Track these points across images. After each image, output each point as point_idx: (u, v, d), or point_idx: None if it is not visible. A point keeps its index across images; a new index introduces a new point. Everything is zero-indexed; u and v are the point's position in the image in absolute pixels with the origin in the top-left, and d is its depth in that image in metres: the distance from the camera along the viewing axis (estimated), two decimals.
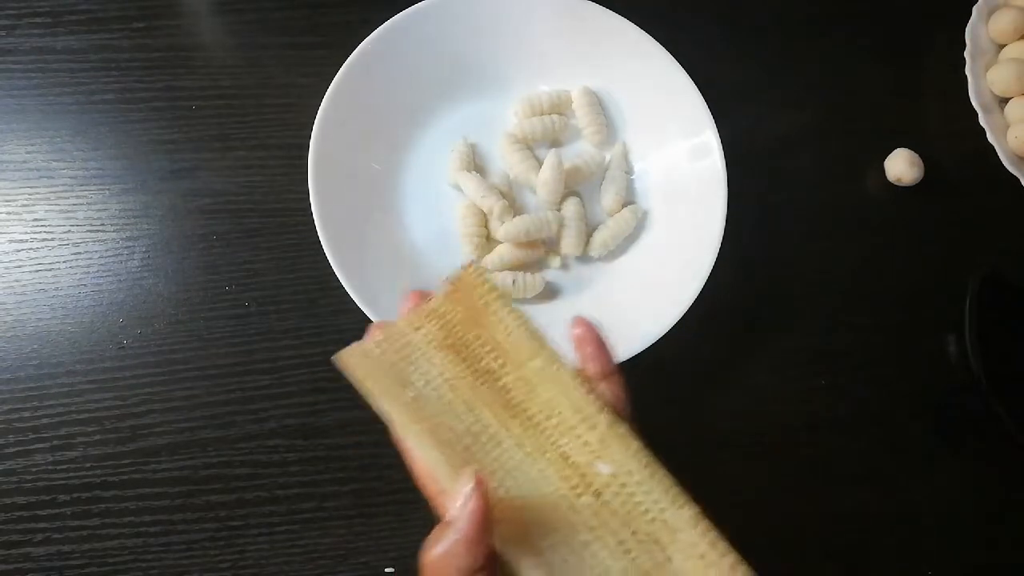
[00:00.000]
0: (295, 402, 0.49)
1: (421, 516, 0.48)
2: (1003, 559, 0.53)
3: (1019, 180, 0.56)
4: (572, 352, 0.31)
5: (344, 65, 0.49)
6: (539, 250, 0.51)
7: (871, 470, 0.53)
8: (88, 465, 0.47)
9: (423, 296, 0.31)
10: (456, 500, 0.25)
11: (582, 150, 0.54)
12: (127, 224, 0.51)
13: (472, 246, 0.50)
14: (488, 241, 0.51)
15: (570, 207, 0.52)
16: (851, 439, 0.53)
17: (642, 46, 0.51)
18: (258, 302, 0.51)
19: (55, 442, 0.47)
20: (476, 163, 0.53)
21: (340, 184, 0.48)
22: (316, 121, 0.48)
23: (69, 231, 0.51)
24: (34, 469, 0.47)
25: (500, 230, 0.50)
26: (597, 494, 0.27)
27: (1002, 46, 0.59)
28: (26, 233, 0.51)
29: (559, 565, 0.26)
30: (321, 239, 0.46)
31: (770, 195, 0.56)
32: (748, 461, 0.50)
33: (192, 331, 0.50)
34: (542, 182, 0.50)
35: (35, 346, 0.49)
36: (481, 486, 0.25)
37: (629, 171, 0.54)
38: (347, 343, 0.50)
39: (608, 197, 0.52)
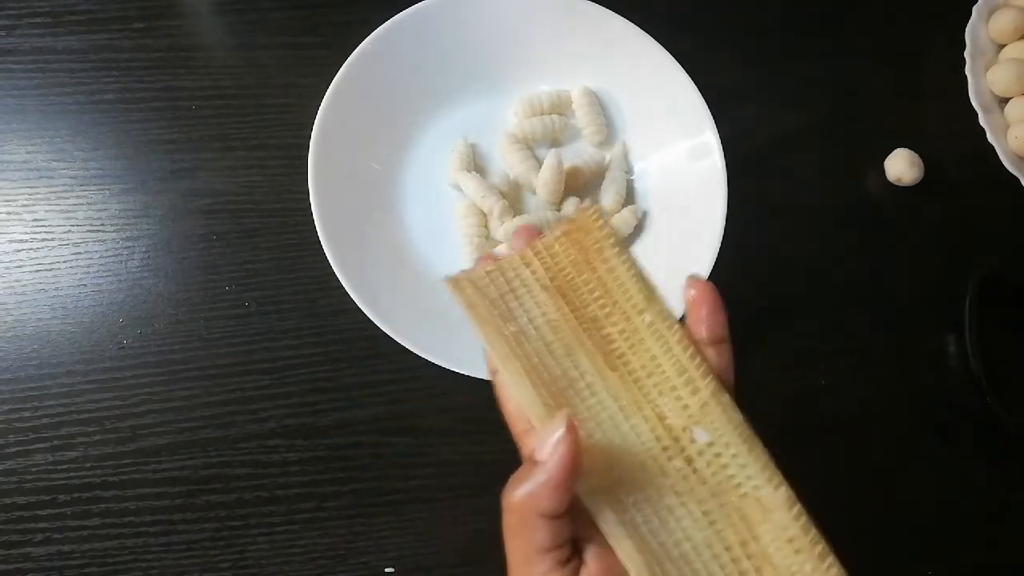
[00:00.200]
0: (295, 402, 0.49)
1: (421, 516, 0.49)
2: (1003, 559, 0.53)
3: (1019, 180, 0.56)
4: (683, 311, 0.29)
5: (344, 65, 0.49)
6: None
7: (871, 470, 0.53)
8: (88, 465, 0.47)
9: (536, 232, 0.30)
10: (546, 442, 0.25)
11: (582, 150, 0.54)
12: (127, 224, 0.51)
13: (472, 246, 0.50)
14: (488, 241, 0.51)
15: (570, 207, 0.52)
16: (851, 439, 0.53)
17: (642, 46, 0.51)
18: (258, 302, 0.51)
19: (55, 442, 0.48)
20: (476, 163, 0.53)
21: (340, 184, 0.48)
22: (316, 121, 0.48)
23: (69, 231, 0.51)
24: (34, 469, 0.47)
25: (500, 230, 0.50)
26: (689, 460, 0.26)
27: (1002, 46, 0.59)
28: (26, 233, 0.51)
29: (641, 524, 0.26)
30: (321, 239, 0.46)
31: (770, 195, 0.56)
32: None
33: (192, 331, 0.50)
34: (542, 182, 0.50)
35: (35, 346, 0.49)
36: (573, 430, 0.24)
37: (629, 171, 0.54)
38: (347, 343, 0.50)
39: (608, 197, 0.52)
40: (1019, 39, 0.58)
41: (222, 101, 0.54)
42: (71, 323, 0.49)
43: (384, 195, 0.52)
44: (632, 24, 0.51)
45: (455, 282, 0.28)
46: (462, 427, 0.50)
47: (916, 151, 0.57)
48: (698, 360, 0.28)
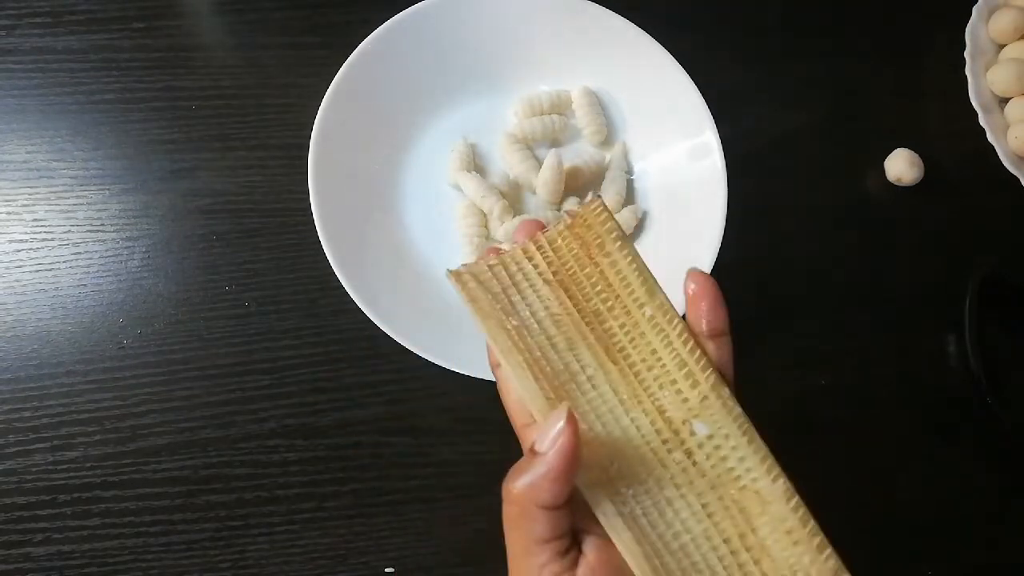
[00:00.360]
0: (295, 402, 0.49)
1: (421, 516, 0.49)
2: (1003, 559, 0.53)
3: (1019, 180, 0.56)
4: (683, 305, 0.29)
5: (344, 65, 0.49)
6: None
7: (871, 470, 0.53)
8: (88, 465, 0.47)
9: (539, 226, 0.30)
10: (547, 434, 0.25)
11: (582, 150, 0.54)
12: (127, 224, 0.51)
13: (472, 246, 0.50)
14: (488, 241, 0.51)
15: (570, 207, 0.52)
16: (851, 439, 0.53)
17: (642, 46, 0.51)
18: (258, 302, 0.51)
19: (55, 442, 0.48)
20: (476, 163, 0.53)
21: (340, 184, 0.48)
22: (316, 121, 0.48)
23: (69, 231, 0.51)
24: (34, 469, 0.47)
25: (500, 230, 0.50)
26: (688, 453, 0.27)
27: (1002, 46, 0.59)
28: (26, 233, 0.51)
29: (640, 516, 0.26)
30: (321, 239, 0.46)
31: (770, 195, 0.56)
32: None
33: (192, 331, 0.50)
34: (542, 182, 0.50)
35: (35, 346, 0.49)
36: (573, 423, 0.25)
37: (629, 171, 0.54)
38: (347, 343, 0.50)
39: (608, 197, 0.52)
40: (1019, 39, 0.58)
41: (222, 101, 0.54)
42: (71, 323, 0.49)
43: (384, 195, 0.52)
44: (632, 24, 0.51)
45: (457, 275, 0.28)
46: (462, 427, 0.50)
47: (916, 151, 0.57)
48: (698, 354, 0.28)
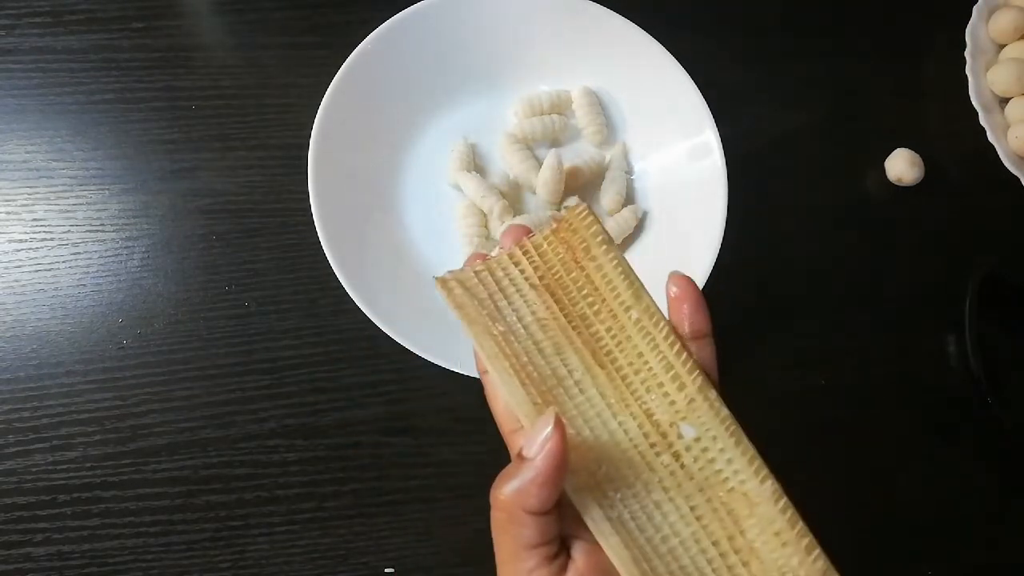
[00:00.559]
0: (295, 402, 0.49)
1: (421, 516, 0.49)
2: (1003, 559, 0.53)
3: (1019, 180, 0.56)
4: (667, 308, 0.29)
5: (344, 65, 0.49)
6: None
7: (871, 470, 0.53)
8: (88, 465, 0.47)
9: (525, 231, 0.30)
10: (534, 439, 0.25)
11: (582, 150, 0.54)
12: (127, 224, 0.51)
13: (472, 246, 0.50)
14: (488, 241, 0.51)
15: (565, 208, 0.52)
16: (851, 439, 0.53)
17: (642, 46, 0.51)
18: (258, 302, 0.51)
19: (55, 442, 0.47)
20: (476, 163, 0.53)
21: (340, 184, 0.48)
22: (316, 121, 0.48)
23: (69, 231, 0.51)
24: (34, 469, 0.47)
25: (500, 230, 0.50)
26: (676, 456, 0.27)
27: (1002, 46, 0.59)
28: (26, 233, 0.51)
29: (628, 520, 0.26)
30: (321, 239, 0.46)
31: (770, 195, 0.56)
32: None
33: (192, 331, 0.50)
34: (542, 182, 0.50)
35: (35, 346, 0.49)
36: (560, 427, 0.25)
37: (629, 171, 0.54)
38: (347, 343, 0.50)
39: (608, 197, 0.52)
40: (1019, 39, 0.58)
41: (222, 101, 0.54)
42: (70, 323, 0.49)
43: (384, 195, 0.52)
44: (632, 24, 0.51)
45: (443, 282, 0.28)
46: (462, 427, 0.50)
47: (916, 151, 0.57)
48: (684, 356, 0.28)
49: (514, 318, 0.28)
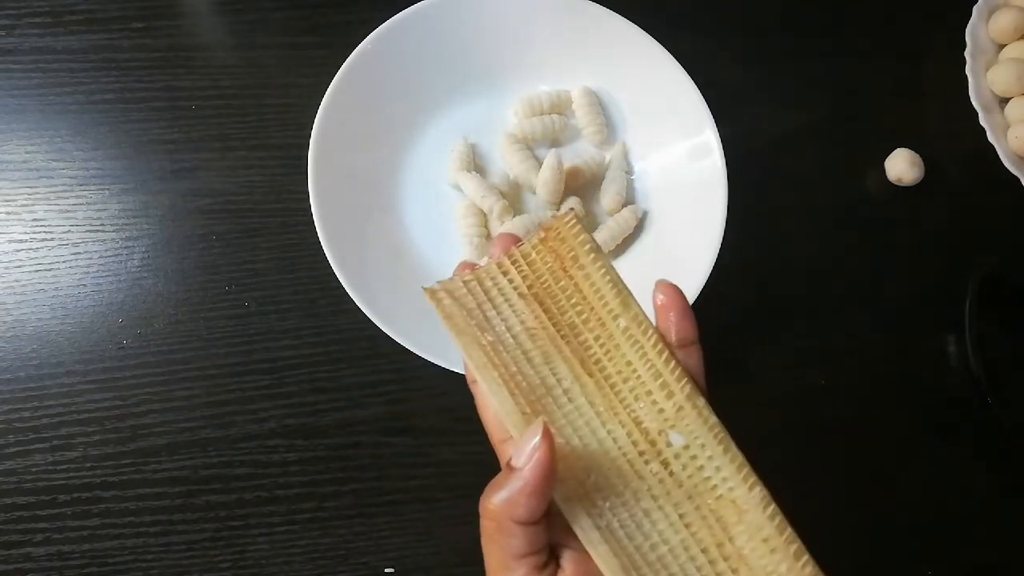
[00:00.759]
0: (295, 402, 0.49)
1: (421, 516, 0.49)
2: (1003, 559, 0.53)
3: (1019, 180, 0.56)
4: (653, 317, 0.30)
5: (344, 65, 0.49)
6: None
7: (871, 470, 0.53)
8: (88, 465, 0.47)
9: (514, 240, 0.30)
10: (523, 449, 0.25)
11: (582, 150, 0.54)
12: (127, 224, 0.51)
13: (472, 246, 0.50)
14: (488, 241, 0.51)
15: (570, 207, 0.52)
16: (851, 439, 0.53)
17: (642, 46, 0.51)
18: (258, 302, 0.51)
19: (55, 442, 0.47)
20: (476, 163, 0.53)
21: (340, 184, 0.48)
22: (316, 121, 0.48)
23: (69, 231, 0.51)
24: (34, 469, 0.47)
25: (500, 230, 0.50)
26: (665, 463, 0.27)
27: (1002, 46, 0.59)
28: (26, 233, 0.51)
29: (617, 528, 0.26)
30: (321, 239, 0.46)
31: (770, 195, 0.56)
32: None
33: (192, 331, 0.50)
34: (542, 182, 0.50)
35: (35, 346, 0.49)
36: (549, 437, 0.25)
37: (629, 171, 0.54)
38: (347, 343, 0.50)
39: (608, 197, 0.52)
40: (1019, 39, 0.58)
41: (222, 101, 0.54)
42: (71, 323, 0.49)
43: (384, 195, 0.52)
44: (632, 24, 0.51)
45: (432, 293, 0.29)
46: (462, 427, 0.50)
47: (916, 151, 0.57)
48: (672, 364, 0.28)
49: (503, 328, 0.28)
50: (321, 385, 0.50)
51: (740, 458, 0.27)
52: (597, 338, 0.28)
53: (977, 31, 0.59)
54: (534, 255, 0.29)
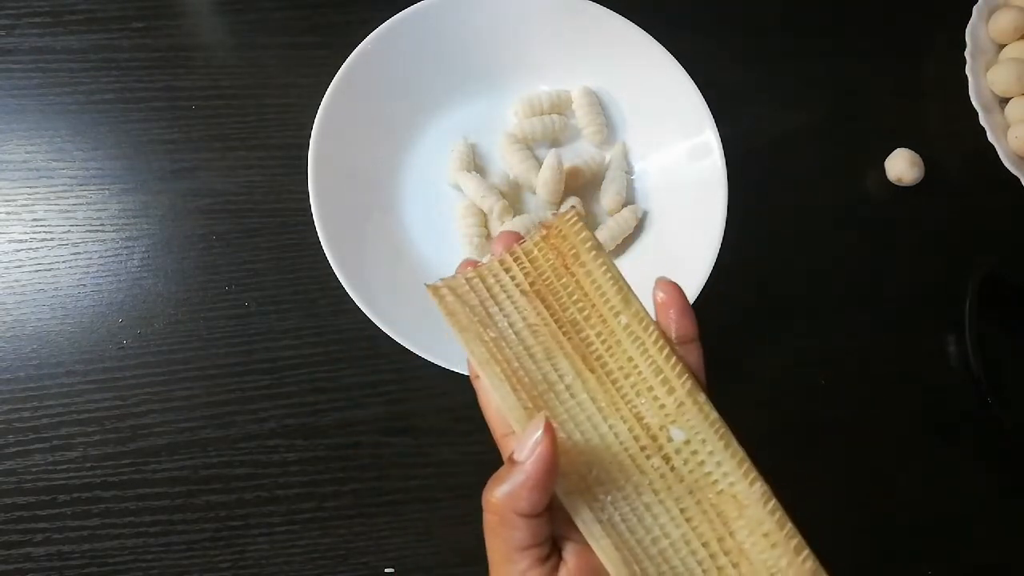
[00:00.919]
0: (295, 402, 0.49)
1: (421, 516, 0.49)
2: (1003, 559, 0.53)
3: (1019, 180, 0.56)
4: (654, 314, 0.30)
5: (344, 65, 0.49)
6: None
7: (871, 470, 0.53)
8: (88, 465, 0.47)
9: (516, 238, 0.30)
10: (525, 443, 0.25)
11: (582, 150, 0.54)
12: (127, 224, 0.51)
13: (472, 246, 0.50)
14: (488, 241, 0.51)
15: (570, 205, 0.52)
16: (851, 439, 0.53)
17: (642, 46, 0.51)
18: (258, 302, 0.51)
19: (55, 442, 0.47)
20: (476, 163, 0.53)
21: (340, 184, 0.48)
22: (316, 121, 0.48)
23: (69, 231, 0.51)
24: (34, 469, 0.47)
25: (500, 230, 0.50)
26: (666, 458, 0.27)
27: (1002, 46, 0.59)
28: (26, 233, 0.51)
29: (619, 522, 0.26)
30: (321, 239, 0.46)
31: (770, 195, 0.56)
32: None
33: (192, 331, 0.50)
34: (542, 182, 0.50)
35: (35, 346, 0.49)
36: (551, 432, 0.25)
37: (629, 171, 0.54)
38: (347, 343, 0.50)
39: (608, 197, 0.52)
40: (1019, 39, 0.58)
41: (222, 101, 0.54)
42: (70, 323, 0.49)
43: (384, 195, 0.52)
44: (632, 24, 0.51)
45: (435, 290, 0.29)
46: (462, 427, 0.50)
47: (916, 151, 0.57)
48: (673, 360, 0.28)
49: (505, 324, 0.28)
50: (321, 385, 0.50)
51: (741, 453, 0.27)
52: (599, 334, 0.28)
53: (977, 31, 0.59)
54: (536, 252, 0.30)
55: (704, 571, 0.26)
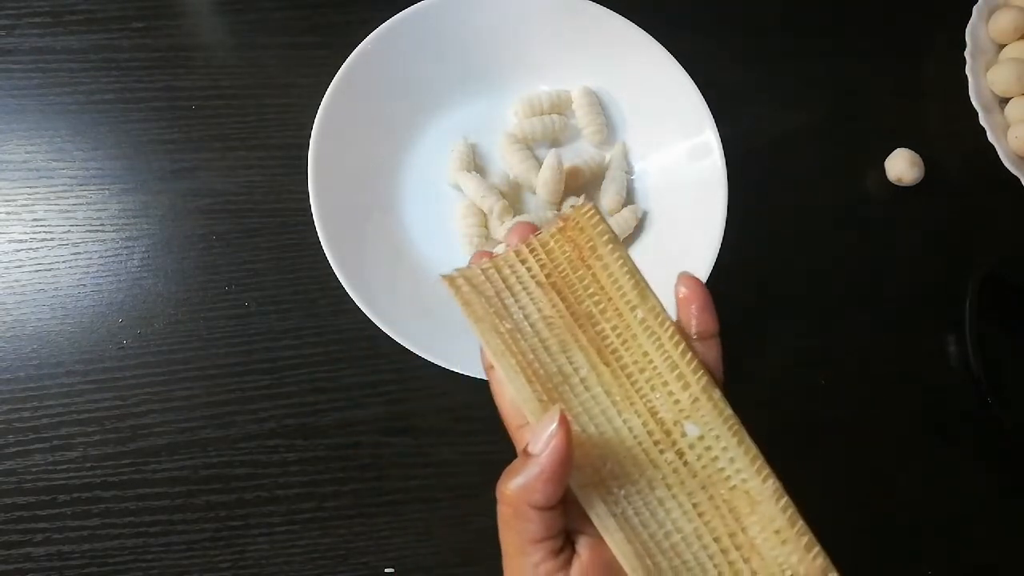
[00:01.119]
0: (295, 402, 0.49)
1: (421, 516, 0.49)
2: (1003, 559, 0.53)
3: (1019, 180, 0.56)
4: (671, 308, 0.30)
5: (344, 65, 0.49)
6: None
7: (871, 470, 0.53)
8: (88, 465, 0.47)
9: (531, 229, 0.30)
10: (540, 435, 0.25)
11: (582, 150, 0.54)
12: (127, 224, 0.51)
13: (472, 246, 0.50)
14: (488, 241, 0.51)
15: (567, 208, 0.52)
16: (851, 439, 0.53)
17: (642, 46, 0.51)
18: (258, 302, 0.51)
19: (55, 442, 0.47)
20: (476, 163, 0.53)
21: (340, 184, 0.48)
22: (316, 121, 0.48)
23: (69, 231, 0.51)
24: (34, 469, 0.47)
25: (500, 230, 0.50)
26: (680, 453, 0.27)
27: (1002, 46, 0.59)
28: (26, 233, 0.51)
29: (632, 516, 0.26)
30: (321, 239, 0.46)
31: (770, 195, 0.56)
32: None
33: (192, 331, 0.50)
34: (542, 182, 0.50)
35: (35, 346, 0.49)
36: (565, 424, 0.25)
37: (629, 171, 0.54)
38: (347, 343, 0.50)
39: (608, 197, 0.52)
40: (1019, 39, 0.58)
41: (222, 101, 0.54)
42: (70, 323, 0.49)
43: (384, 195, 0.52)
44: (632, 24, 0.51)
45: (451, 280, 0.29)
46: (462, 427, 0.50)
47: (916, 151, 0.57)
48: (689, 356, 0.28)
49: (520, 316, 0.28)
50: (321, 385, 0.50)
51: (754, 450, 0.27)
52: (614, 328, 0.28)
53: (977, 31, 0.59)
54: (552, 244, 0.29)
55: (716, 565, 0.26)
